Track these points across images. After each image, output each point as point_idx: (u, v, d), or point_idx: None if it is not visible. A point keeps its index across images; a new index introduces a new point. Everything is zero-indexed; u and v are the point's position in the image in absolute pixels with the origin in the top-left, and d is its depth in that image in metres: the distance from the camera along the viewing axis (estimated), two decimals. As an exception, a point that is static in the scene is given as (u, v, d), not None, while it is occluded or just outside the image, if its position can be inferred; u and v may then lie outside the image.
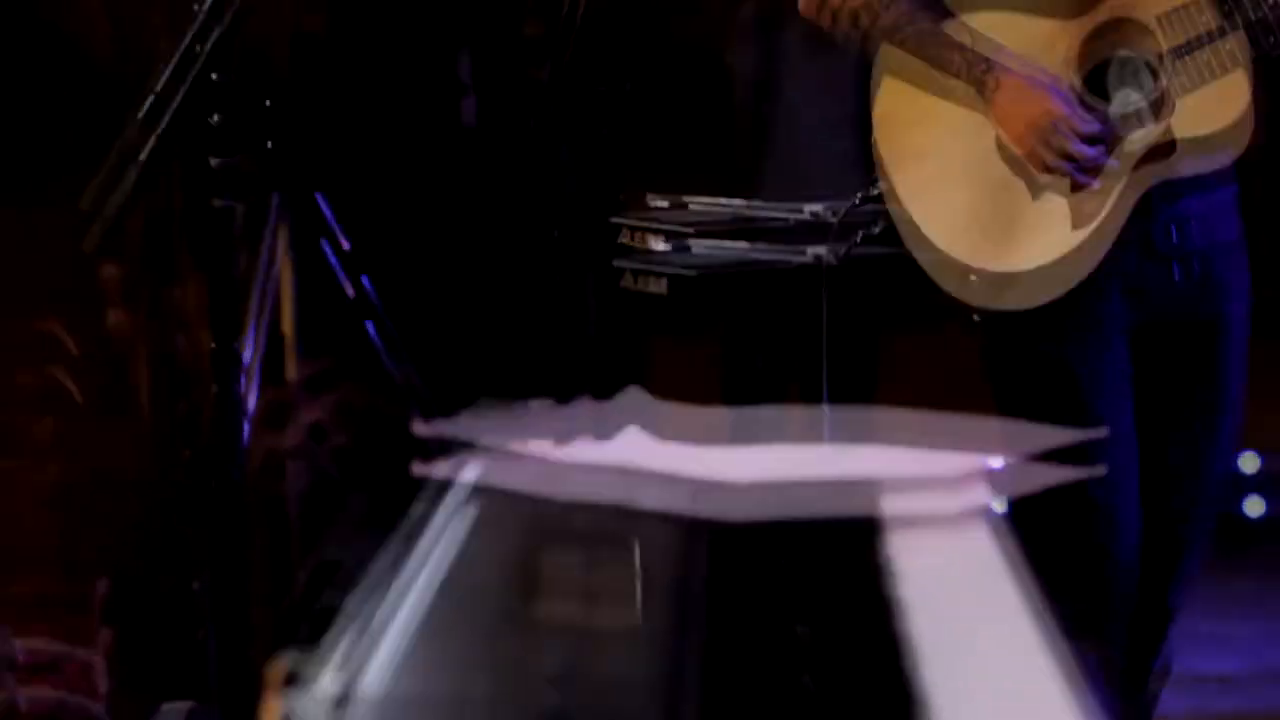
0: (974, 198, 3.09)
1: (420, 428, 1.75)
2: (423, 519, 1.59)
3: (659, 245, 3.53)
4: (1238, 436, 3.24)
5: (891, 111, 3.17)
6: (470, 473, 1.72)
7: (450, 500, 1.65)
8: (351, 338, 3.50)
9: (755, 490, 1.63)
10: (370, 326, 3.37)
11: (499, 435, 1.77)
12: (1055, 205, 3.04)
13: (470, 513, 1.62)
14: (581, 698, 1.12)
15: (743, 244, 3.56)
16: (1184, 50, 2.96)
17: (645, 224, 3.44)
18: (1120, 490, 3.07)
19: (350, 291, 3.74)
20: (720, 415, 1.97)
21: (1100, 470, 2.97)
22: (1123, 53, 3.03)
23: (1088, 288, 3.05)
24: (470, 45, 4.80)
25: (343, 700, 1.16)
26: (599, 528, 1.61)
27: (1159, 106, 2.99)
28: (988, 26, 3.09)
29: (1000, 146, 3.07)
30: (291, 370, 3.84)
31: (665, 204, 3.59)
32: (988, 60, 3.03)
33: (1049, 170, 3.01)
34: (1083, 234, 3.02)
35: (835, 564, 1.46)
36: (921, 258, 3.10)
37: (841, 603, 1.42)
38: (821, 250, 3.34)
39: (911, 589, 1.44)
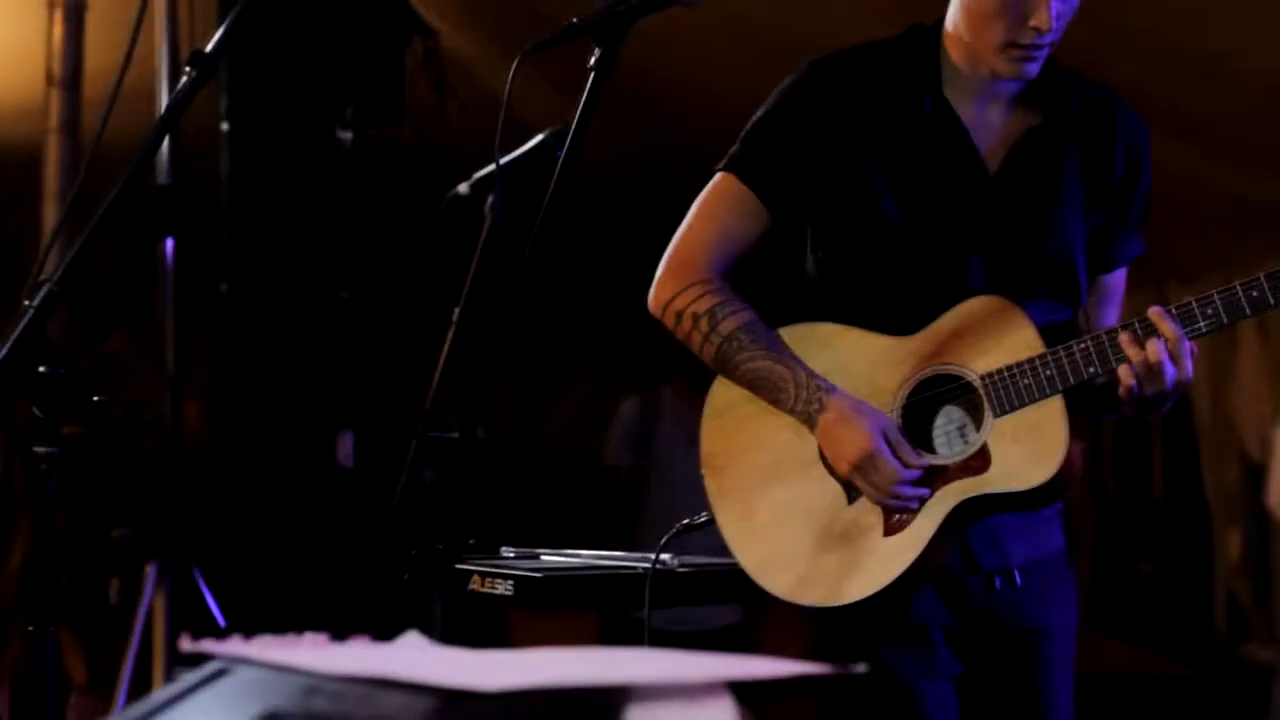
0: (797, 537, 3.10)
1: (185, 644, 1.80)
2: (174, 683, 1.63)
3: (509, 552, 3.60)
4: None
5: (716, 450, 3.19)
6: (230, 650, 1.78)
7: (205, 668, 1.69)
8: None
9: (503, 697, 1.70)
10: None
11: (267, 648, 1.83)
12: (876, 539, 3.06)
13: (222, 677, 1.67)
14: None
15: (588, 554, 3.62)
16: (1003, 406, 3.03)
17: (494, 570, 3.49)
18: None
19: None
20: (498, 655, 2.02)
21: None
22: (946, 397, 3.08)
23: (906, 591, 3.07)
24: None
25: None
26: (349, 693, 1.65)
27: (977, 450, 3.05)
28: (829, 336, 3.15)
29: (821, 479, 3.10)
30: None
31: (513, 554, 3.66)
32: (819, 387, 3.08)
33: (876, 488, 3.03)
34: (906, 562, 3.04)
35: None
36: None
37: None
38: (665, 557, 3.38)
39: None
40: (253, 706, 1.54)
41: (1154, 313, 2.97)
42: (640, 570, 3.38)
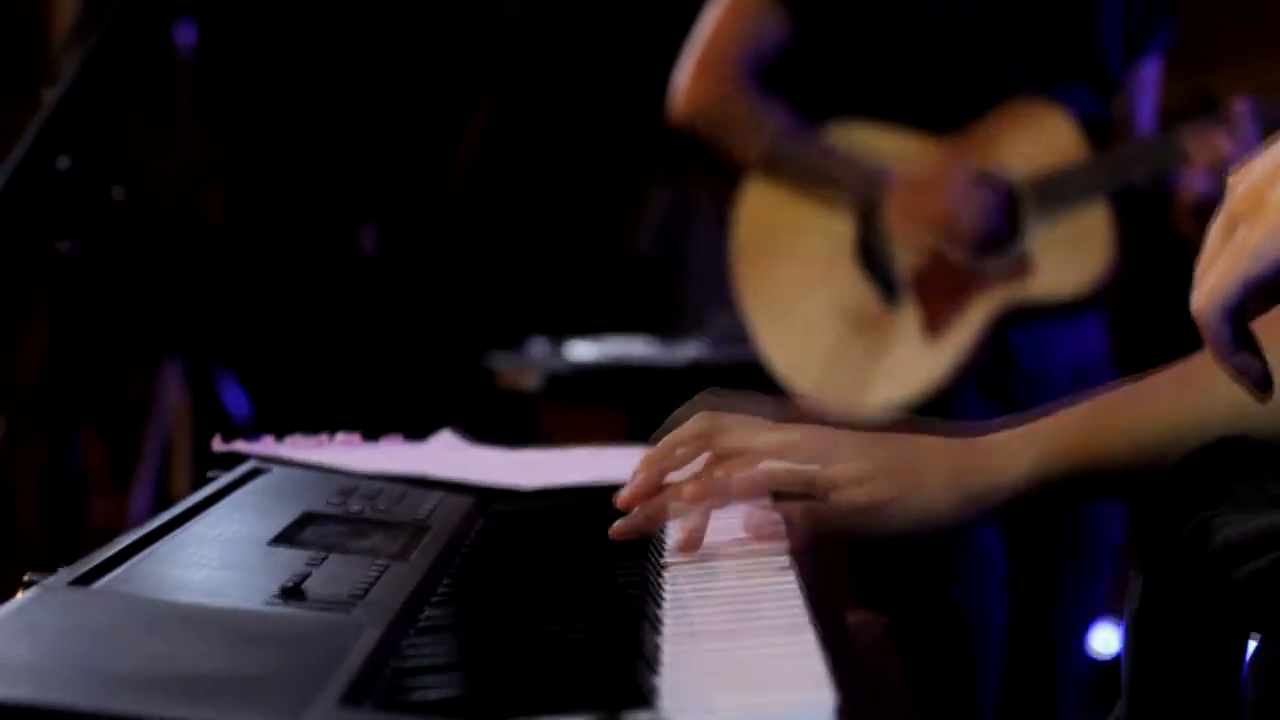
0: (830, 339, 3.05)
1: (218, 444, 1.77)
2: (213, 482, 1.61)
3: (538, 346, 3.57)
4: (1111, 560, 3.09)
5: (748, 243, 3.13)
6: (261, 449, 1.75)
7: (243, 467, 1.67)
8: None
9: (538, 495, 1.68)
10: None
11: (299, 450, 1.81)
12: (914, 344, 3.00)
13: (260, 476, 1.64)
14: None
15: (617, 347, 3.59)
16: (1047, 211, 2.95)
17: (522, 365, 3.45)
18: (985, 608, 2.98)
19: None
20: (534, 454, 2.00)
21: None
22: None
23: (948, 395, 2.99)
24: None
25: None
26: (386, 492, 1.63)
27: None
28: (868, 137, 3.06)
29: (858, 283, 3.04)
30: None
31: (544, 345, 3.62)
32: (879, 168, 3.00)
33: (961, 245, 2.96)
34: (941, 370, 2.97)
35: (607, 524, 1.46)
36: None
37: (614, 555, 1.42)
38: (696, 353, 3.34)
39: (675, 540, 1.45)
40: (290, 507, 1.51)
41: (1238, 104, 2.87)
42: (669, 365, 3.35)
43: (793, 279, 3.09)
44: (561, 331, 3.76)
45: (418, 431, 1.97)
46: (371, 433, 1.92)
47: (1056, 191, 2.94)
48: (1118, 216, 2.97)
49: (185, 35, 4.47)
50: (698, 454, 1.45)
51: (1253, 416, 1.33)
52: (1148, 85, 3.15)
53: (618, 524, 1.44)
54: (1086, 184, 2.93)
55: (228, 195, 5.10)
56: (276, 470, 1.68)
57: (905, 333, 2.99)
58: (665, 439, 1.47)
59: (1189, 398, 1.43)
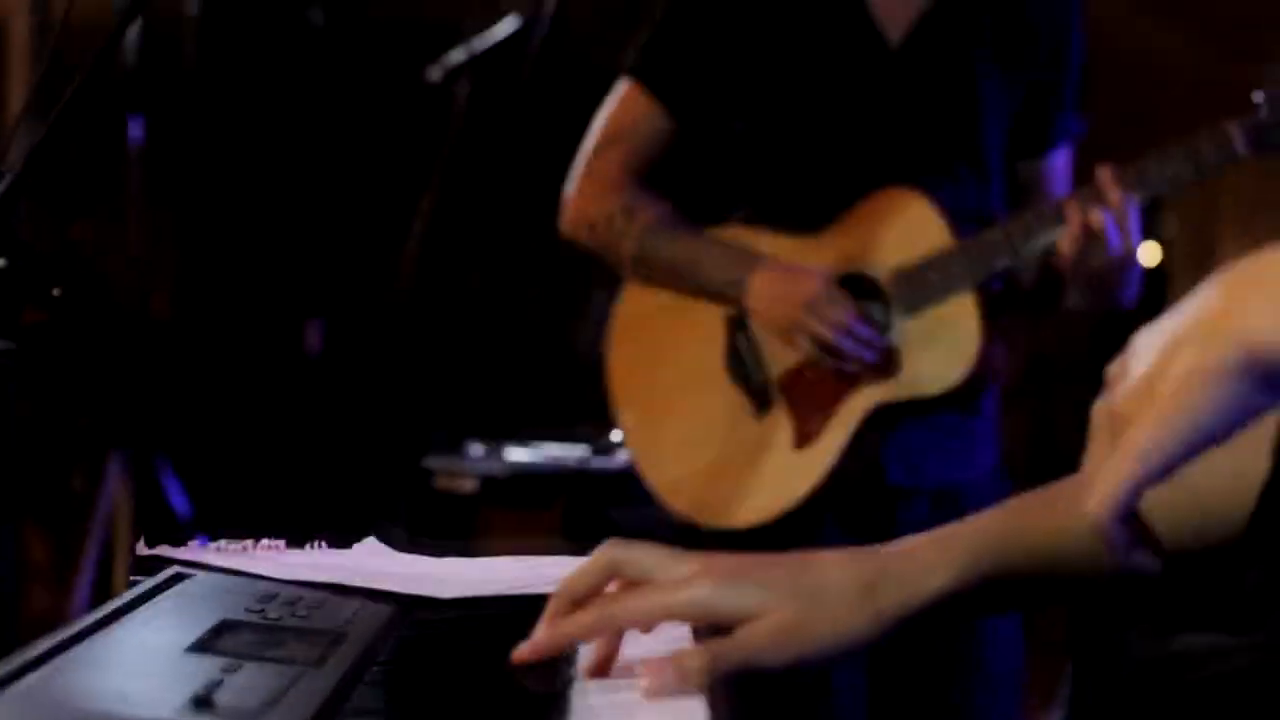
0: (700, 455, 3.00)
1: (140, 548, 1.78)
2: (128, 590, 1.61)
3: (475, 449, 3.58)
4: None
5: (623, 352, 3.11)
6: (186, 554, 1.76)
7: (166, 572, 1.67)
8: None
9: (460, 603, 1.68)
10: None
11: (224, 555, 1.82)
12: (785, 454, 2.92)
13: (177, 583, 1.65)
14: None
15: (554, 450, 3.60)
16: (912, 305, 2.89)
17: (457, 469, 3.47)
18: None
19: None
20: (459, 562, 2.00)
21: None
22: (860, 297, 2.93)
23: (802, 520, 2.90)
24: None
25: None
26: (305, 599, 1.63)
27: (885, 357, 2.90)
28: (740, 238, 3.05)
29: (728, 392, 3.00)
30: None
31: (481, 449, 3.64)
32: (748, 254, 2.96)
33: (821, 346, 2.89)
34: (814, 478, 2.89)
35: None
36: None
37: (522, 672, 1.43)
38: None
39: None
40: (209, 614, 1.52)
41: (1102, 173, 2.80)
42: (603, 470, 3.37)
43: (666, 389, 3.05)
44: (499, 434, 3.78)
45: (357, 530, 1.98)
46: (309, 531, 1.93)
47: (920, 283, 2.87)
48: (1001, 308, 2.90)
49: (134, 131, 4.49)
50: (602, 585, 1.44)
51: (1178, 515, 1.34)
52: (1058, 175, 3.10)
53: (520, 649, 1.43)
54: (952, 273, 2.86)
55: (175, 290, 5.12)
56: (199, 576, 1.69)
57: (777, 441, 2.93)
58: (567, 579, 1.45)
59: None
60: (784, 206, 3.01)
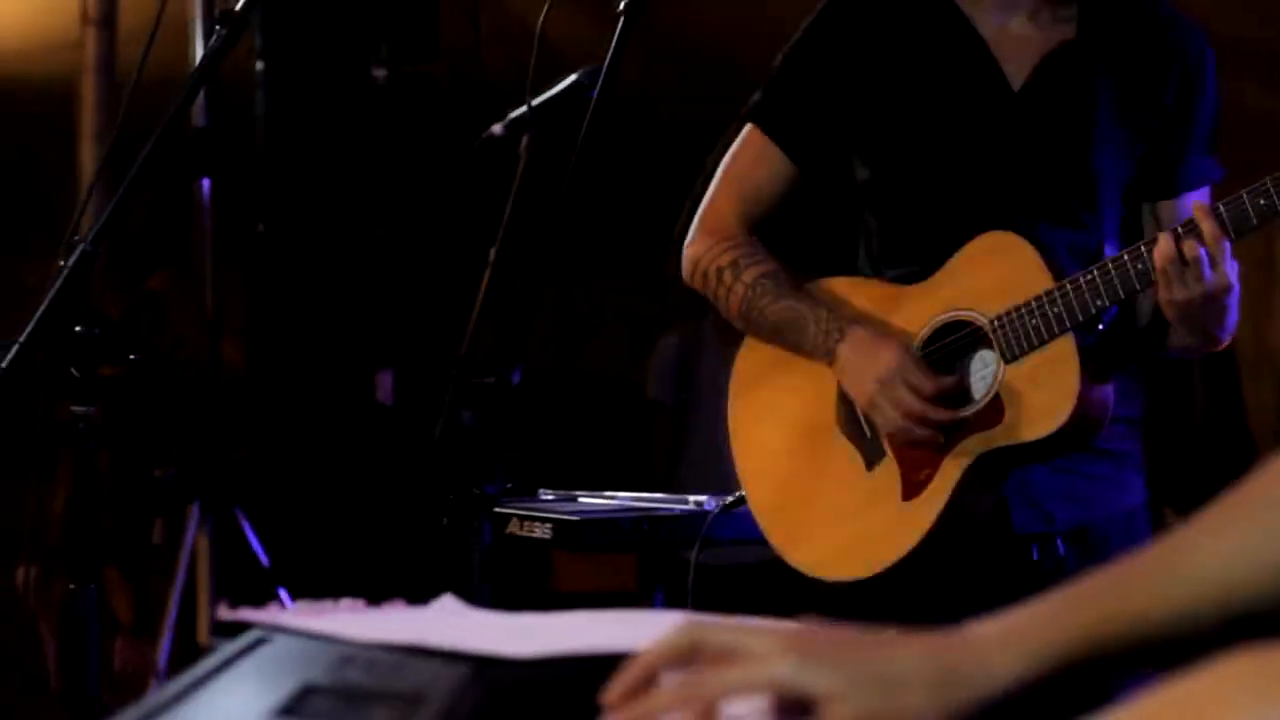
0: (817, 511, 3.01)
1: (222, 611, 1.82)
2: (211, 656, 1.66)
3: (547, 495, 3.62)
4: None
5: (741, 412, 3.15)
6: (266, 617, 1.80)
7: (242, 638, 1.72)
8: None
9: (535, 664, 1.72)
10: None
11: (303, 616, 1.86)
12: (895, 505, 2.92)
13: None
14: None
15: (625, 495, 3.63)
16: (1013, 351, 2.87)
17: (533, 513, 3.51)
18: None
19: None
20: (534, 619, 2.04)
21: None
22: (965, 344, 2.93)
23: (922, 571, 2.89)
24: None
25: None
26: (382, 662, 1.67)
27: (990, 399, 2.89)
28: (846, 289, 3.07)
29: (840, 446, 3.00)
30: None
31: (553, 496, 3.68)
32: (840, 318, 2.98)
33: (888, 426, 2.91)
34: (923, 528, 2.88)
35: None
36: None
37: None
38: (704, 498, 3.38)
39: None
40: (289, 679, 1.56)
41: (1197, 207, 2.78)
42: (677, 512, 3.40)
43: (783, 443, 3.09)
44: (571, 482, 3.82)
45: (434, 581, 2.02)
46: (382, 584, 1.97)
47: (1019, 328, 2.85)
48: (1103, 350, 2.86)
49: (204, 187, 4.57)
50: (682, 661, 1.46)
51: (1241, 595, 1.36)
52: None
53: None
54: (1050, 317, 2.83)
55: (249, 343, 5.20)
56: (280, 639, 1.73)
57: (887, 495, 2.93)
58: (647, 653, 1.47)
59: (1181, 582, 1.40)
60: (899, 252, 3.04)
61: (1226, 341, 2.87)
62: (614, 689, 1.48)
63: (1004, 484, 2.91)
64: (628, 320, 5.31)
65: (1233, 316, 2.84)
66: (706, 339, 6.05)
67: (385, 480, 4.56)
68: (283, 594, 3.98)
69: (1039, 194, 2.97)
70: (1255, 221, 2.74)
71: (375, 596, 1.97)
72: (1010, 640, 1.41)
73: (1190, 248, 2.71)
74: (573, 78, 3.79)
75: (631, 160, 5.16)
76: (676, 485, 4.31)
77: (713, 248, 3.13)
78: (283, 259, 5.24)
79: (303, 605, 1.90)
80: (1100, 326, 2.87)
